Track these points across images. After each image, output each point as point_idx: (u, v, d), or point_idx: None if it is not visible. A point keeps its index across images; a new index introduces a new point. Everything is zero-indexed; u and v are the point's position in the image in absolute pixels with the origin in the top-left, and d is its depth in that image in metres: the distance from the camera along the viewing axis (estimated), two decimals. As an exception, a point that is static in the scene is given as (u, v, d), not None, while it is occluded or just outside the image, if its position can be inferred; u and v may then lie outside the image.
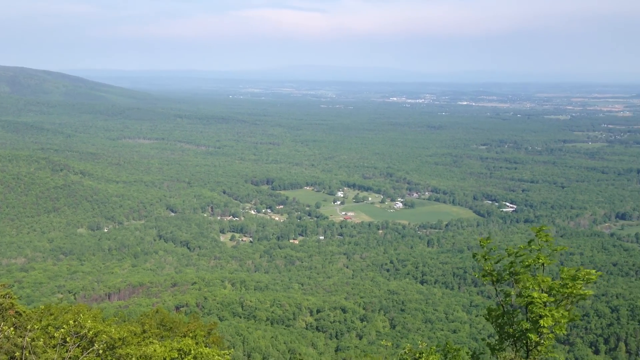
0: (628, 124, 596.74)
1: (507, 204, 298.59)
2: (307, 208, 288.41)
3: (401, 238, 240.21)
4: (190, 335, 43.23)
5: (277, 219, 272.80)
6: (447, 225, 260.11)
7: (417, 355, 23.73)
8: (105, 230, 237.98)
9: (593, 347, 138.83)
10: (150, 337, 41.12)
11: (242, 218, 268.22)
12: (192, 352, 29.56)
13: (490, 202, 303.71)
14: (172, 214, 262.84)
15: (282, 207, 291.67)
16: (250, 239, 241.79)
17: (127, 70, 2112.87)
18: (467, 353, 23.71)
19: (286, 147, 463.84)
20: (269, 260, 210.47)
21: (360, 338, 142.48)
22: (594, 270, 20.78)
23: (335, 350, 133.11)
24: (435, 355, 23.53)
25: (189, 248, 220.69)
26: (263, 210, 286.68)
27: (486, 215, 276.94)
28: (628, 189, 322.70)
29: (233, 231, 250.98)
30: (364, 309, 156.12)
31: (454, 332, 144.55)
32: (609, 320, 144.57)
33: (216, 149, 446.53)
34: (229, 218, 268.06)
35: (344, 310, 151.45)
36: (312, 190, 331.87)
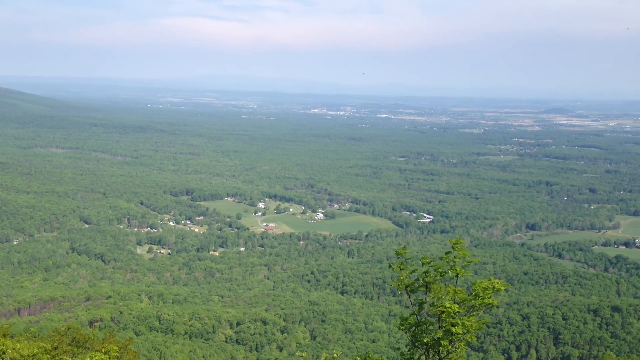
0: (537, 138, 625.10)
1: (425, 214, 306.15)
2: (228, 219, 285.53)
3: (322, 249, 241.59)
4: (103, 351, 41.68)
5: (196, 230, 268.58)
6: (367, 235, 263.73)
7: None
8: (15, 243, 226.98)
9: (505, 354, 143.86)
10: (61, 353, 39.44)
11: (161, 229, 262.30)
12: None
13: (408, 213, 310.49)
14: (87, 226, 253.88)
15: (202, 218, 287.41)
16: (169, 251, 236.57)
17: (42, 77, 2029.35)
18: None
19: (207, 157, 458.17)
20: (188, 273, 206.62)
21: (281, 350, 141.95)
22: (501, 280, 21.61)
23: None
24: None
25: (103, 261, 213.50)
26: (182, 222, 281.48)
27: (404, 226, 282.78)
28: (537, 201, 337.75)
29: (151, 243, 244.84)
30: (284, 320, 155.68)
31: (373, 341, 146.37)
32: (520, 327, 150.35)
33: (133, 158, 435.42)
34: (146, 230, 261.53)
35: (264, 322, 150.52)
36: (233, 201, 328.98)
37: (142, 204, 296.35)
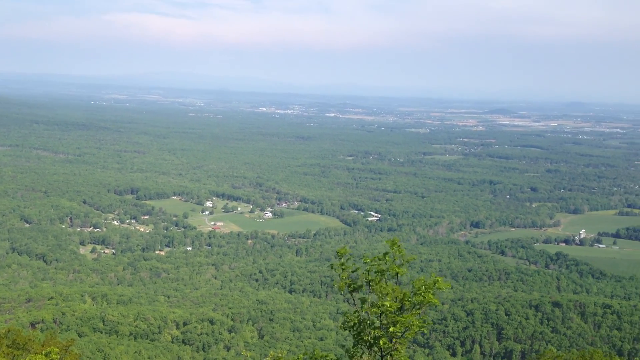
0: (481, 138, 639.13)
1: (372, 213, 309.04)
2: (175, 218, 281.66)
3: (270, 248, 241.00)
4: (44, 353, 40.53)
5: (142, 229, 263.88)
6: (315, 234, 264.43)
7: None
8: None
9: (450, 350, 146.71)
10: (1, 356, 38.16)
11: (104, 229, 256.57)
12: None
13: (356, 211, 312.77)
14: (27, 225, 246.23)
15: (147, 217, 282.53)
16: (113, 251, 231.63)
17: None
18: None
19: (152, 155, 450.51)
20: (133, 273, 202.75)
21: (228, 350, 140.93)
22: (441, 278, 22.04)
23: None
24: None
25: (45, 261, 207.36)
26: (127, 221, 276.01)
27: (352, 225, 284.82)
28: (481, 199, 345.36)
29: (94, 243, 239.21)
30: (232, 320, 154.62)
31: (321, 339, 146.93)
32: (465, 323, 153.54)
33: (76, 156, 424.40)
34: (89, 229, 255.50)
35: (211, 322, 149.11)
36: (180, 200, 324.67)
37: (85, 202, 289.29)
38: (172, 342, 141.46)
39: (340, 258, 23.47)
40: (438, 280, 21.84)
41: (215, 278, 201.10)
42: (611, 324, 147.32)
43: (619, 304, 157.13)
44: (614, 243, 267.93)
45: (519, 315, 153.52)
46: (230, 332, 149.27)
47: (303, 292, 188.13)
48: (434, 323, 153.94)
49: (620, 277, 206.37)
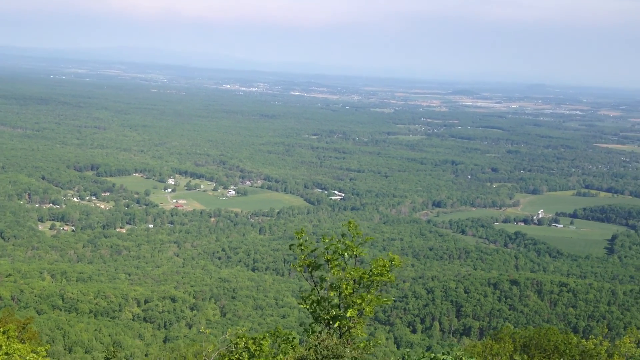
0: (444, 119, 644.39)
1: (336, 192, 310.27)
2: (136, 195, 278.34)
3: (233, 226, 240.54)
4: (1, 331, 39.89)
5: (102, 207, 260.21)
6: (278, 213, 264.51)
7: (246, 340, 23.96)
8: None
9: (411, 327, 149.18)
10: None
11: (64, 206, 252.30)
12: (4, 347, 27.38)
13: (320, 190, 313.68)
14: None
15: (108, 194, 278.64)
16: (73, 227, 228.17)
17: None
18: (296, 338, 24.32)
19: (113, 131, 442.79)
20: (93, 250, 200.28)
21: (190, 327, 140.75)
22: (397, 257, 22.27)
23: (164, 341, 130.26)
24: (266, 340, 23.93)
25: (3, 238, 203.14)
26: (87, 198, 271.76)
27: (316, 203, 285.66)
28: (443, 179, 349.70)
29: (53, 219, 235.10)
30: (194, 297, 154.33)
31: (284, 317, 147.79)
32: (425, 301, 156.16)
33: (35, 131, 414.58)
34: (48, 206, 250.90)
35: (173, 300, 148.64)
36: (142, 177, 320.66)
37: (44, 179, 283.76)
38: (133, 319, 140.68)
39: (298, 239, 23.63)
40: (394, 258, 22.08)
41: (177, 256, 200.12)
42: (567, 302, 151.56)
43: (574, 282, 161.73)
44: (571, 223, 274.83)
45: (477, 293, 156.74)
46: (192, 309, 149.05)
47: (266, 270, 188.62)
48: (395, 301, 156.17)
49: (576, 256, 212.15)
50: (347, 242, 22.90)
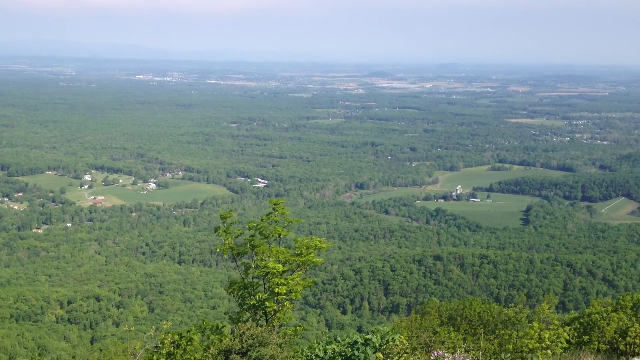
0: (362, 101, 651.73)
1: (259, 179, 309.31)
2: (51, 194, 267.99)
3: (156, 219, 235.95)
4: None
5: (16, 207, 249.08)
6: (202, 203, 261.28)
7: (173, 335, 23.84)
8: None
9: (341, 308, 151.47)
10: None
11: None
12: None
13: (243, 178, 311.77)
14: None
15: (21, 194, 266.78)
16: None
17: None
18: (225, 327, 24.31)
19: (22, 129, 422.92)
20: (9, 253, 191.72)
21: (117, 325, 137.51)
22: (323, 239, 22.58)
23: (91, 342, 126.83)
24: (195, 334, 23.83)
25: None
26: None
27: (240, 192, 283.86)
28: (364, 161, 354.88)
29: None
30: (119, 295, 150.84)
31: (214, 308, 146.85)
32: (354, 282, 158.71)
33: None
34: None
35: (97, 299, 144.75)
36: (56, 175, 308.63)
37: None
38: (57, 322, 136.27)
39: (224, 221, 23.50)
40: (319, 241, 22.36)
41: (99, 254, 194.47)
42: (488, 273, 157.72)
43: (494, 253, 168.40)
44: (488, 197, 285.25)
45: (403, 271, 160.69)
46: (118, 307, 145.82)
47: (193, 262, 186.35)
48: (324, 283, 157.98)
49: (494, 228, 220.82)
50: (271, 219, 22.96)
